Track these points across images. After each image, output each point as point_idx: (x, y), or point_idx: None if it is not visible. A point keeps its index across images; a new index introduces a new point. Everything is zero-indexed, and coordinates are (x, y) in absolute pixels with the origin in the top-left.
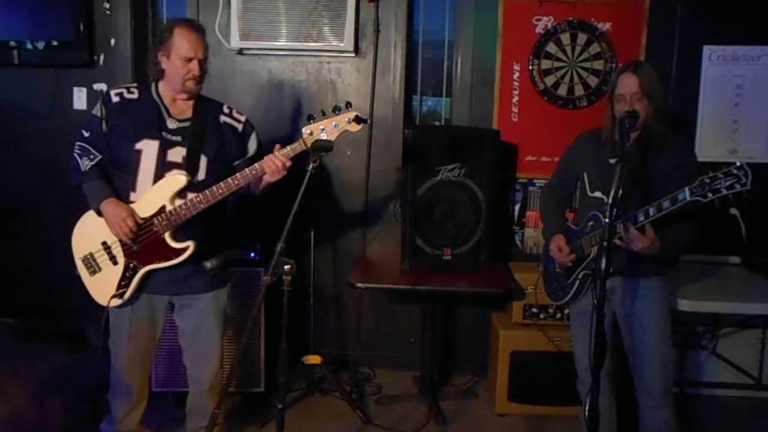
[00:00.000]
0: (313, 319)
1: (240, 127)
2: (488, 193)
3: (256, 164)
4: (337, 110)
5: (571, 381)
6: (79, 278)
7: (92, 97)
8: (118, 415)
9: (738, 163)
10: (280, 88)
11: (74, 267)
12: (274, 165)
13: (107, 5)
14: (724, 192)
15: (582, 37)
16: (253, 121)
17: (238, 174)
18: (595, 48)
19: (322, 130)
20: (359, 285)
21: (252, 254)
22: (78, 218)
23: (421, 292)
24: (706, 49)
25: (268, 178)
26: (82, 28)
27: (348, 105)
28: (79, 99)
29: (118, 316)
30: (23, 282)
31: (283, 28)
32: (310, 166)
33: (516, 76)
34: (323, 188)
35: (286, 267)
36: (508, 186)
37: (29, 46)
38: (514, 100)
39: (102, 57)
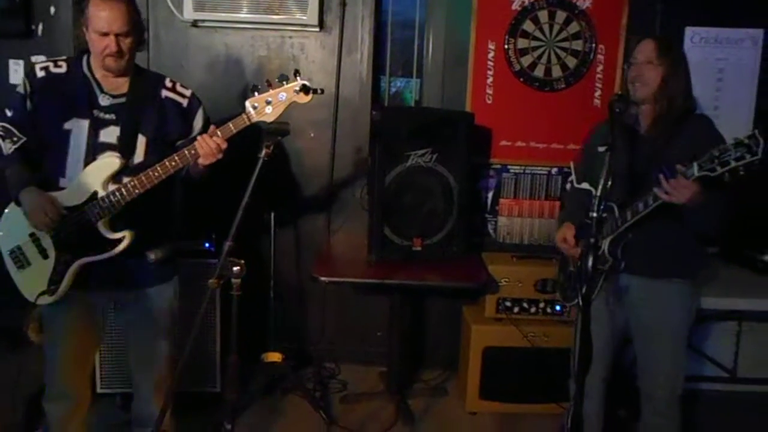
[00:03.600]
0: (273, 312)
1: (185, 102)
2: (461, 179)
3: (193, 144)
4: (284, 80)
5: (545, 378)
6: (7, 274)
7: None
8: (54, 423)
9: (750, 132)
10: (239, 64)
11: (2, 262)
12: (207, 147)
13: None
14: (733, 164)
15: (561, 15)
16: (209, 99)
17: (175, 155)
18: (574, 27)
19: (268, 102)
20: (323, 278)
21: (207, 245)
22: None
23: (389, 286)
24: (689, 31)
25: (202, 161)
26: None
27: (296, 73)
28: (16, 72)
29: (51, 314)
30: None
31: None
32: (263, 152)
33: (491, 55)
34: (284, 173)
35: (235, 269)
36: (480, 172)
37: None
38: (489, 81)
39: (41, 27)
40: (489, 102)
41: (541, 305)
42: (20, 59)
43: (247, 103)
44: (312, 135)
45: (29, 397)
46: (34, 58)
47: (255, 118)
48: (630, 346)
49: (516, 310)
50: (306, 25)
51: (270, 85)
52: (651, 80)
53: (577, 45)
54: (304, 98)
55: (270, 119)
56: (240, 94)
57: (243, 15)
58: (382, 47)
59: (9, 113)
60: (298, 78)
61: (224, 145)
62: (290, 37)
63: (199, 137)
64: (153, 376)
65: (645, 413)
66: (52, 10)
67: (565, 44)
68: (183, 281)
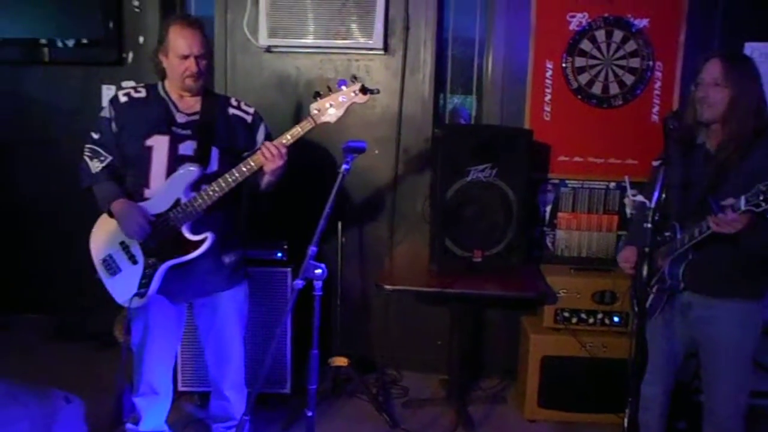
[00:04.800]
0: (339, 320)
1: (249, 118)
2: (520, 193)
3: (258, 151)
4: (342, 84)
5: (603, 388)
6: (100, 281)
7: None
8: (143, 415)
9: None
10: (308, 86)
11: (95, 270)
12: (268, 152)
13: (136, 3)
14: None
15: (618, 34)
16: (280, 118)
17: (248, 159)
18: (631, 45)
19: (330, 105)
20: (387, 287)
21: (278, 254)
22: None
23: (450, 295)
24: (748, 46)
25: (265, 168)
26: (111, 26)
27: (354, 78)
28: (108, 97)
29: (138, 317)
30: (52, 280)
31: (311, 26)
32: (343, 167)
33: (549, 74)
34: (351, 187)
35: (317, 271)
36: (539, 186)
37: (59, 44)
38: (547, 98)
39: (131, 55)
40: (547, 119)
41: (600, 316)
42: (112, 84)
43: (312, 107)
44: (377, 152)
45: (119, 392)
46: (124, 83)
47: (320, 120)
48: (693, 360)
49: (574, 320)
50: (371, 49)
51: (330, 90)
52: (717, 102)
53: (635, 62)
54: (362, 98)
55: (333, 120)
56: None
57: (312, 40)
58: (443, 66)
59: (96, 136)
60: (356, 81)
61: (284, 150)
62: (356, 60)
63: (263, 144)
64: (228, 375)
65: (706, 428)
66: (141, 39)
67: (623, 62)
68: (250, 287)
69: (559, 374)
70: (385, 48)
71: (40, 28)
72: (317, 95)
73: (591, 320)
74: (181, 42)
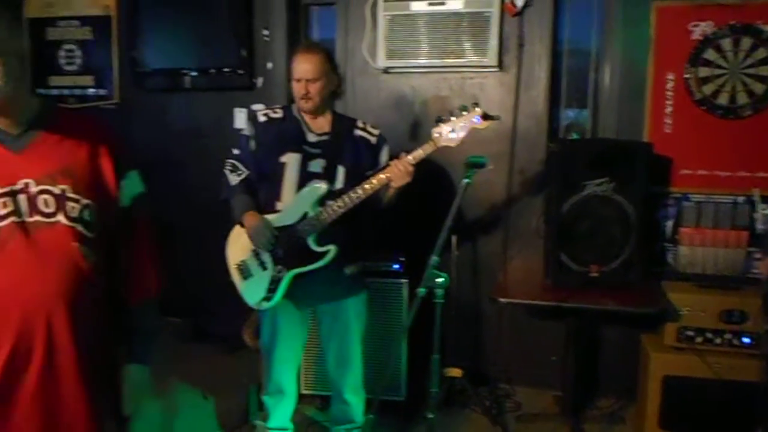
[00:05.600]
0: (452, 331)
1: (374, 140)
2: (639, 208)
3: (386, 169)
4: (464, 110)
5: (730, 411)
6: (232, 284)
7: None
8: (270, 412)
9: None
10: (424, 105)
11: (230, 274)
12: (397, 169)
13: (266, 32)
14: None
15: (746, 42)
16: (397, 136)
17: (372, 178)
18: (760, 53)
19: (451, 130)
20: (502, 300)
21: (396, 266)
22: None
23: (566, 309)
24: None
25: (392, 184)
26: (244, 54)
27: (475, 104)
28: (240, 119)
29: (267, 320)
30: (188, 287)
31: (426, 46)
32: (464, 181)
33: (669, 85)
34: (465, 201)
35: (439, 280)
36: (659, 201)
37: (199, 72)
38: (667, 110)
39: (260, 80)
40: (668, 131)
41: (727, 336)
42: (243, 108)
43: (434, 131)
44: (491, 167)
45: (247, 392)
46: (254, 107)
47: (441, 143)
48: None
49: (699, 340)
50: (485, 66)
51: (452, 115)
52: None
53: (765, 71)
54: (484, 124)
55: (454, 144)
56: (425, 130)
57: (427, 60)
58: (557, 80)
59: (236, 152)
60: (477, 108)
61: (411, 168)
62: (471, 78)
63: (391, 162)
64: (348, 380)
65: None
66: (269, 65)
67: (751, 71)
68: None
69: (682, 395)
70: (499, 65)
71: (183, 59)
72: (439, 120)
73: (717, 340)
74: (295, 66)
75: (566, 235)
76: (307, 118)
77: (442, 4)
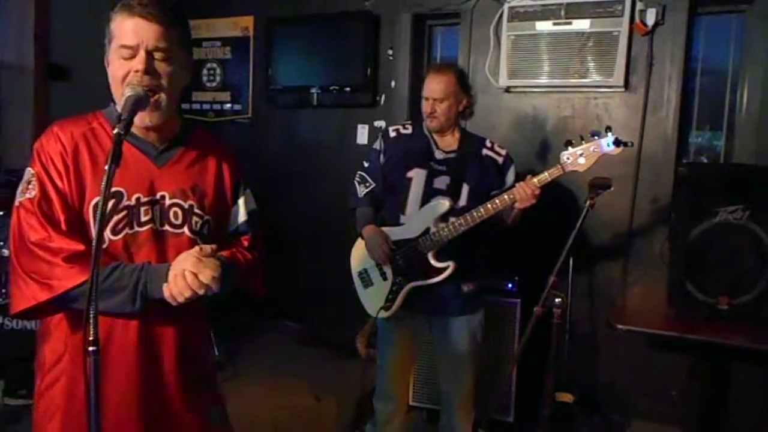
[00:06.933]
0: (565, 355)
1: (501, 160)
2: None
3: (511, 190)
4: (596, 135)
5: None
6: (354, 291)
7: (372, 133)
8: (380, 420)
9: None
10: (545, 124)
11: (351, 282)
12: (523, 192)
13: (391, 52)
14: None
15: None
16: (517, 155)
17: (496, 198)
18: None
19: (581, 155)
20: (620, 327)
21: (509, 285)
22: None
23: (690, 341)
24: None
25: (518, 205)
26: (368, 72)
27: (608, 129)
28: (362, 135)
29: (384, 328)
30: (305, 294)
31: (549, 66)
32: (588, 202)
33: None
34: (584, 225)
35: (557, 300)
36: None
37: (325, 90)
38: None
39: (383, 97)
40: None
41: None
42: (365, 124)
43: (562, 155)
44: (613, 189)
45: (358, 397)
46: (376, 123)
47: (569, 169)
48: None
49: None
50: (611, 87)
51: (582, 140)
52: None
53: None
54: (615, 150)
55: (582, 170)
56: (545, 150)
57: (548, 80)
58: (688, 100)
59: (366, 164)
60: (609, 133)
61: (538, 191)
62: (595, 98)
63: (517, 184)
64: (458, 395)
65: None
66: (393, 83)
67: None
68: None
69: None
70: (626, 85)
71: (312, 77)
72: (569, 143)
73: None
74: (425, 85)
75: (693, 264)
76: (435, 135)
77: (569, 23)
